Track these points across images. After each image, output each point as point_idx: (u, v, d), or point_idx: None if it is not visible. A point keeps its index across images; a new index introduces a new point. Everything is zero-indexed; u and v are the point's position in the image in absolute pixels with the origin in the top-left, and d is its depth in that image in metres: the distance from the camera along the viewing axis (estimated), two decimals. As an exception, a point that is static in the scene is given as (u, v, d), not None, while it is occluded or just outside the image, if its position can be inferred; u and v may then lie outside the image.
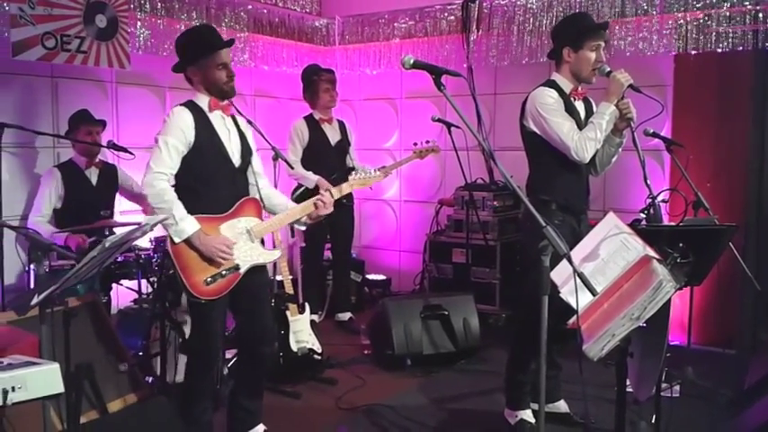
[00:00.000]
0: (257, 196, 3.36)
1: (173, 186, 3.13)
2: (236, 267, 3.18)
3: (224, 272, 3.14)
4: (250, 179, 3.39)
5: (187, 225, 3.05)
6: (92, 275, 2.83)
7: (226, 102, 3.27)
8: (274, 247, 4.27)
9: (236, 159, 3.26)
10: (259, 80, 6.60)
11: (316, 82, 5.50)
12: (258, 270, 3.32)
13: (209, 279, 3.10)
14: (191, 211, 3.09)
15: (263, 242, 3.34)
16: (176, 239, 3.06)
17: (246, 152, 3.33)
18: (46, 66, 4.82)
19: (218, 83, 3.19)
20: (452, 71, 2.47)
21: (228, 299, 3.22)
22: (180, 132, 3.10)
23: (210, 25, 3.35)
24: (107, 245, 2.42)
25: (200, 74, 3.20)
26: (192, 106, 3.20)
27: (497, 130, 6.18)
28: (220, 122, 3.25)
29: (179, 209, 3.05)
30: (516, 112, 3.59)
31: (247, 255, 3.23)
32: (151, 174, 3.06)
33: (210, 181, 3.19)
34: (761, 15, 4.73)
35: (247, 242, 3.24)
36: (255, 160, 3.41)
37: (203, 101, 3.22)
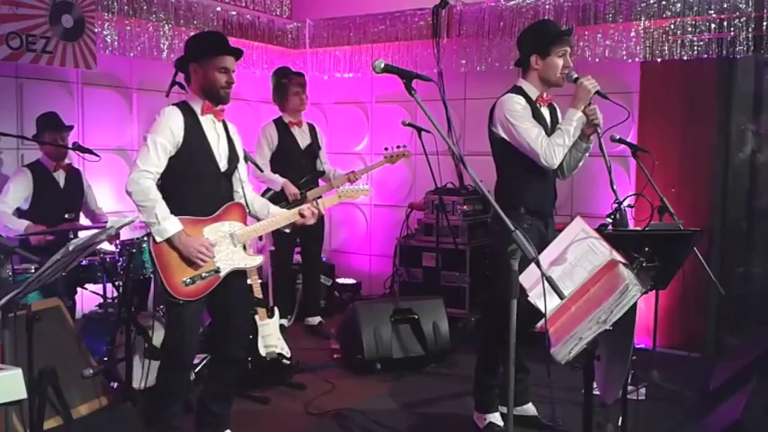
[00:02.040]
0: (243, 202, 3.38)
1: (159, 185, 3.15)
2: (217, 270, 3.20)
3: (204, 274, 3.16)
4: (235, 185, 3.41)
5: (169, 225, 3.06)
6: (55, 279, 2.78)
7: (219, 107, 3.29)
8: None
9: (222, 164, 3.28)
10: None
11: (285, 85, 5.47)
12: (238, 275, 3.34)
13: (188, 280, 3.13)
14: (176, 211, 3.10)
15: (245, 247, 3.36)
16: (158, 239, 3.07)
17: (234, 158, 3.35)
18: (10, 66, 4.74)
19: (216, 84, 3.20)
20: (423, 76, 2.48)
21: (207, 301, 3.24)
22: (169, 132, 3.11)
23: (224, 34, 3.42)
24: (71, 248, 2.38)
25: (200, 72, 3.21)
26: (184, 107, 3.22)
27: (467, 135, 6.21)
28: (210, 126, 3.27)
29: (162, 208, 3.06)
30: (486, 118, 3.62)
31: (229, 258, 3.25)
32: (137, 172, 3.06)
33: (196, 183, 3.21)
34: (725, 24, 4.82)
35: (229, 246, 3.26)
36: (242, 167, 3.44)
37: (197, 104, 3.24)
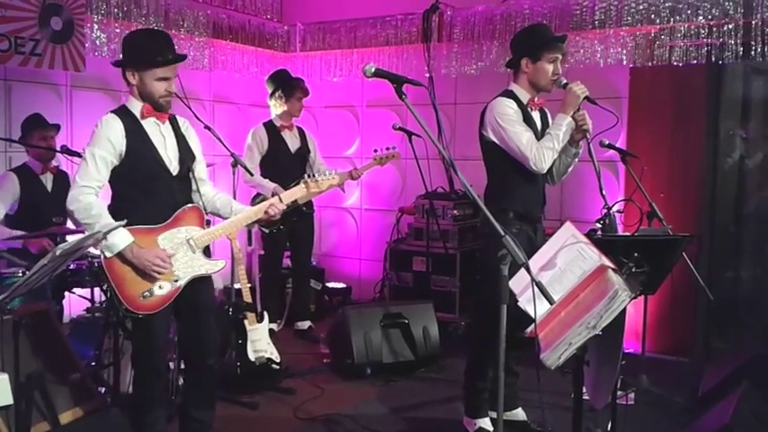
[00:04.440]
0: (199, 203, 3.23)
1: (111, 196, 3.04)
2: (176, 280, 3.06)
3: (162, 285, 3.03)
4: (193, 185, 3.26)
5: (118, 239, 2.90)
6: (42, 284, 2.76)
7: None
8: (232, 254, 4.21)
9: (173, 167, 3.13)
10: (218, 85, 6.54)
11: (295, 87, 5.44)
12: (202, 280, 3.19)
13: (146, 293, 2.99)
14: (129, 221, 2.93)
15: (207, 252, 3.22)
16: (108, 254, 2.92)
17: (186, 158, 3.19)
18: (-2, 68, 4.72)
19: (154, 95, 3.06)
20: (414, 80, 2.47)
21: (171, 309, 3.11)
22: (108, 143, 2.97)
23: (166, 33, 3.20)
24: (58, 252, 2.36)
25: (137, 78, 3.06)
26: (123, 113, 3.08)
27: (457, 140, 6.21)
28: (155, 129, 3.11)
29: (108, 222, 2.89)
30: (476, 122, 3.62)
31: (188, 266, 3.10)
32: (77, 188, 2.93)
33: (147, 190, 3.07)
34: (714, 30, 4.85)
35: (188, 253, 3.11)
36: (199, 165, 3.29)
37: (136, 107, 3.09)
